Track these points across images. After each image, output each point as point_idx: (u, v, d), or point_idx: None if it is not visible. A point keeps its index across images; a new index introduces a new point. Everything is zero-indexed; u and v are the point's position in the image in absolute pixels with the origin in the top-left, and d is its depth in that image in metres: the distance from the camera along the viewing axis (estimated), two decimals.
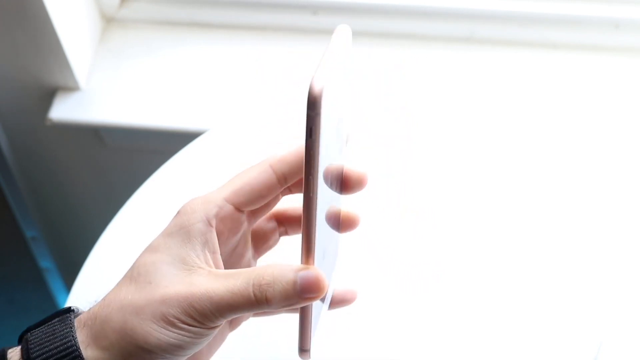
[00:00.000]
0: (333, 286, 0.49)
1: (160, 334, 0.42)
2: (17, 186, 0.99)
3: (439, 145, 0.75)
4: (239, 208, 0.47)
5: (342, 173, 0.47)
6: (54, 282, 1.12)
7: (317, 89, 0.38)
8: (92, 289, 0.69)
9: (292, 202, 0.50)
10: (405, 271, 0.67)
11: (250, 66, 0.94)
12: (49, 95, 0.94)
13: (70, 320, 0.44)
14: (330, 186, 0.44)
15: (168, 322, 0.42)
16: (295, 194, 0.49)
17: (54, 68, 0.91)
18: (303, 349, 0.44)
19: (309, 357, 0.44)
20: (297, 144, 0.46)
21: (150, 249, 0.45)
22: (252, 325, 0.54)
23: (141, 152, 0.99)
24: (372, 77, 0.87)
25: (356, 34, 1.03)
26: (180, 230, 0.45)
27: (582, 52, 0.92)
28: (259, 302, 0.42)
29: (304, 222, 0.41)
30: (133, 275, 0.44)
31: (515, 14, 0.92)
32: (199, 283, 0.43)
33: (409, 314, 0.65)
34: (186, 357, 0.44)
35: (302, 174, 0.40)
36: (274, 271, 0.42)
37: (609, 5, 0.91)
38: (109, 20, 0.98)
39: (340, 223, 0.49)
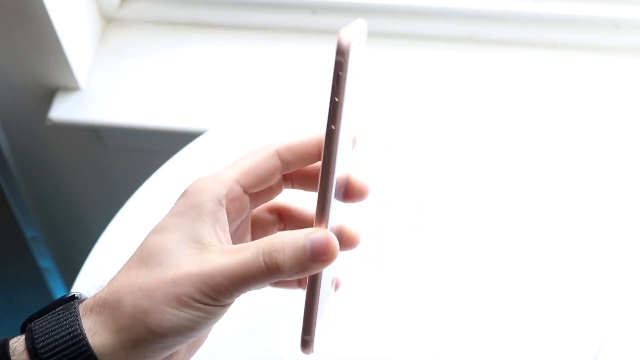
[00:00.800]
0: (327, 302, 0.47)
1: (174, 315, 0.41)
2: (17, 186, 0.99)
3: (438, 146, 0.75)
4: (246, 190, 0.47)
5: (346, 180, 0.46)
6: (54, 282, 1.12)
7: (345, 40, 0.40)
8: (92, 289, 0.69)
9: (298, 202, 0.50)
10: (405, 271, 0.67)
11: (250, 66, 0.94)
12: (49, 95, 0.94)
13: (75, 308, 0.43)
14: (337, 192, 0.43)
15: (182, 302, 0.41)
16: (298, 189, 0.49)
17: (54, 68, 0.91)
18: (305, 337, 0.43)
19: (311, 348, 0.43)
20: (304, 134, 0.46)
21: (159, 229, 0.45)
22: (251, 327, 0.54)
23: (141, 152, 0.99)
24: (371, 77, 0.87)
25: None
26: (190, 209, 0.45)
27: (582, 52, 0.92)
28: (270, 270, 0.42)
29: (321, 181, 0.40)
30: (142, 257, 0.44)
31: (515, 14, 0.92)
32: (210, 260, 0.42)
33: (409, 314, 0.65)
34: (193, 340, 0.43)
35: (305, 165, 0.40)
36: (283, 238, 0.42)
37: (609, 5, 0.91)
38: (109, 20, 0.98)
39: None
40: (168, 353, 0.43)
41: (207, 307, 0.42)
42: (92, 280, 0.69)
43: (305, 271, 0.42)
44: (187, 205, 0.45)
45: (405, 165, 0.74)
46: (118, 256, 0.70)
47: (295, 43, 0.96)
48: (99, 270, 0.69)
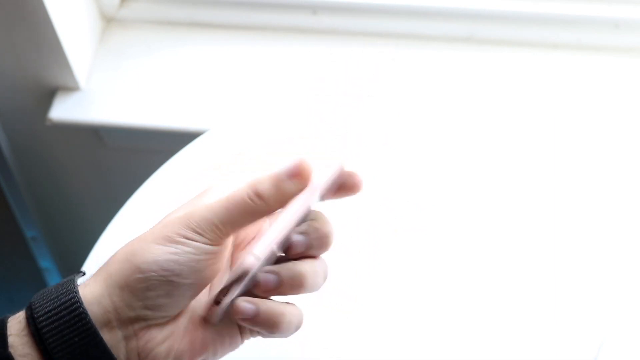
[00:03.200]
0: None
1: (158, 249, 0.43)
2: (17, 186, 0.99)
3: (438, 146, 0.75)
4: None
5: (341, 171, 0.47)
6: (54, 282, 1.12)
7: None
8: None
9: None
10: (405, 271, 0.67)
11: (250, 66, 0.94)
12: (49, 95, 0.94)
13: (74, 278, 0.45)
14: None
15: (168, 238, 0.43)
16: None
17: (54, 68, 0.91)
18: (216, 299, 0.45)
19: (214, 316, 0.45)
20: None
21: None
22: None
23: (141, 152, 0.99)
24: (371, 77, 0.87)
25: (356, 34, 1.03)
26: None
27: (582, 52, 0.92)
28: (252, 200, 0.44)
29: None
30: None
31: (515, 14, 0.92)
32: (202, 203, 0.45)
33: (409, 314, 0.65)
34: (185, 282, 0.44)
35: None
36: (265, 173, 0.45)
37: (609, 5, 0.91)
38: (109, 20, 0.98)
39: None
40: (153, 301, 0.43)
41: (192, 242, 0.43)
42: None
43: (283, 194, 0.44)
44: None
45: (405, 165, 0.74)
46: None
47: (295, 43, 0.96)
48: None
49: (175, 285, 0.43)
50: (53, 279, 1.11)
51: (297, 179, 0.45)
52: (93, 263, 0.70)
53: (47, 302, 0.44)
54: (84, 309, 0.43)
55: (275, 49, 0.95)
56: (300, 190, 0.45)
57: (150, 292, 0.43)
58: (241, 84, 0.93)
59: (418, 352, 0.63)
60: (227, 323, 0.47)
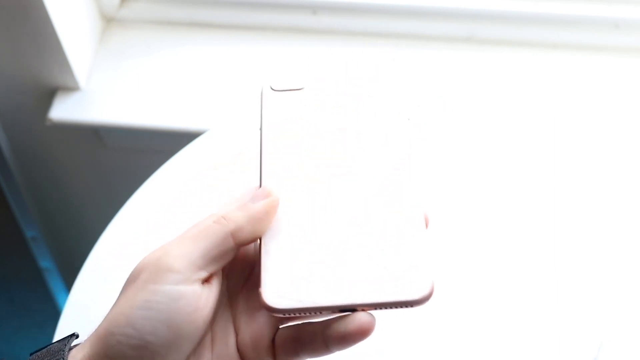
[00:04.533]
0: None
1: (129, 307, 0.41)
2: (17, 186, 0.99)
3: (438, 146, 0.75)
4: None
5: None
6: (54, 282, 1.12)
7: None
8: (92, 289, 0.69)
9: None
10: None
11: (250, 66, 0.94)
12: (49, 95, 0.94)
13: (69, 340, 0.43)
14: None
15: (137, 289, 0.41)
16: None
17: (54, 68, 0.91)
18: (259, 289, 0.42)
19: (265, 301, 0.41)
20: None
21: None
22: None
23: (141, 152, 0.99)
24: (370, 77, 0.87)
25: (356, 34, 1.03)
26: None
27: (582, 52, 0.92)
28: (219, 223, 0.42)
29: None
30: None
31: (515, 14, 0.92)
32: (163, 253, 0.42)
33: (408, 314, 0.65)
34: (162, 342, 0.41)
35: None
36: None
37: (609, 5, 0.91)
38: (109, 20, 0.98)
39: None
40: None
41: (165, 287, 0.40)
42: (92, 280, 0.69)
43: (249, 210, 0.43)
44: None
45: None
46: (118, 256, 0.70)
47: (295, 43, 0.96)
48: (99, 270, 0.69)
49: (151, 349, 0.40)
50: (53, 279, 1.11)
51: (261, 199, 0.43)
52: (93, 263, 0.70)
53: None
54: None
55: (275, 49, 0.96)
56: (269, 206, 0.43)
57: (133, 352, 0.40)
58: (241, 84, 0.93)
59: (418, 352, 0.63)
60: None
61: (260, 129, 0.46)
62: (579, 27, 0.92)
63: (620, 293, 0.65)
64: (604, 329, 0.63)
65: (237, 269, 0.45)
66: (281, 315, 0.41)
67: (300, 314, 0.41)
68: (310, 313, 0.41)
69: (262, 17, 0.96)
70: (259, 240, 0.43)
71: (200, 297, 0.41)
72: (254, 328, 0.43)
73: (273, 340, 0.43)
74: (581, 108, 0.86)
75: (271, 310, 0.41)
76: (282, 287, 0.41)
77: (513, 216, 0.70)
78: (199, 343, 0.42)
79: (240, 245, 0.43)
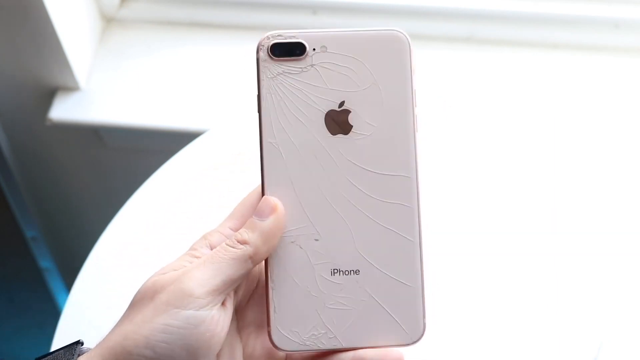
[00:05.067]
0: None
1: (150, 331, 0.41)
2: (17, 186, 0.99)
3: (438, 146, 0.75)
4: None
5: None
6: (54, 282, 1.12)
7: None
8: (92, 289, 0.69)
9: None
10: None
11: (250, 66, 0.94)
12: (49, 95, 0.94)
13: (74, 349, 0.43)
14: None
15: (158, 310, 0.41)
16: None
17: (54, 68, 0.91)
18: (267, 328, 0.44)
19: (274, 342, 0.44)
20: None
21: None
22: None
23: (141, 152, 0.99)
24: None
25: None
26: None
27: (582, 52, 0.92)
28: (234, 245, 0.42)
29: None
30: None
31: (515, 14, 0.92)
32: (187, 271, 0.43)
33: None
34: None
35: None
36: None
37: (609, 5, 0.91)
38: (109, 20, 0.98)
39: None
40: None
41: (184, 312, 0.41)
42: (92, 280, 0.69)
43: (263, 235, 0.43)
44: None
45: None
46: (118, 256, 0.70)
47: None
48: (99, 270, 0.69)
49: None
50: (53, 279, 1.11)
51: (267, 214, 0.43)
52: (93, 263, 0.70)
53: None
54: None
55: None
56: (278, 222, 0.43)
57: None
58: (241, 84, 0.93)
59: (418, 352, 0.63)
60: None
61: (258, 101, 0.45)
62: (579, 27, 0.92)
63: (620, 293, 0.65)
64: (604, 329, 0.63)
65: (244, 284, 0.45)
66: (290, 353, 0.44)
67: (307, 353, 0.44)
68: (317, 355, 0.44)
69: (262, 17, 0.96)
70: (264, 266, 0.44)
71: (218, 322, 0.42)
72: (268, 341, 0.44)
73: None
74: (581, 108, 0.86)
75: (280, 349, 0.44)
76: (289, 329, 0.44)
77: (513, 216, 0.70)
78: None
79: (256, 264, 0.43)
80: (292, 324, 0.44)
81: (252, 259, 0.43)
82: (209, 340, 0.41)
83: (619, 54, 0.92)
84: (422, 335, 0.45)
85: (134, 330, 0.41)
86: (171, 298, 0.41)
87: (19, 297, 1.15)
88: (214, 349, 0.42)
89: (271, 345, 0.44)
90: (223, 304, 0.43)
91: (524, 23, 0.93)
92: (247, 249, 0.42)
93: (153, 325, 0.40)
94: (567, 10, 0.91)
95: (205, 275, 0.42)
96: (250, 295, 0.46)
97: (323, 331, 0.44)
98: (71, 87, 0.94)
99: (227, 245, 0.43)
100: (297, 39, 0.44)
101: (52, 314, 1.14)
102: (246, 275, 0.43)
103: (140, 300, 0.42)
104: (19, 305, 1.16)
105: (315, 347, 0.44)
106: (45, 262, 1.09)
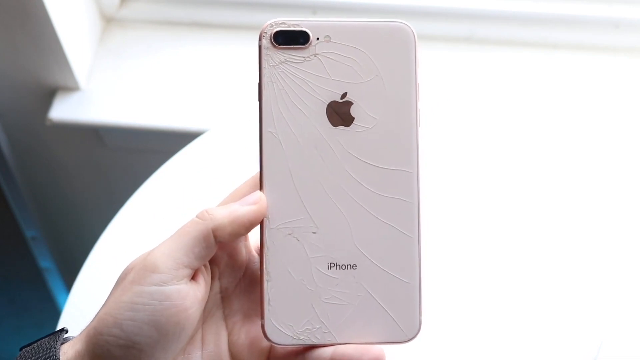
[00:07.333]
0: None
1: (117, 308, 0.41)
2: (17, 186, 0.99)
3: (438, 146, 0.75)
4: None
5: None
6: (54, 282, 1.12)
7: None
8: (92, 289, 0.69)
9: None
10: None
11: (250, 66, 0.94)
12: (49, 95, 0.94)
13: (59, 336, 0.44)
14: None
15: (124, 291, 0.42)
16: None
17: (54, 68, 0.91)
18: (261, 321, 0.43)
19: (267, 334, 0.43)
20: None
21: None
22: None
23: (141, 152, 0.99)
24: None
25: None
26: None
27: (582, 52, 0.92)
28: (202, 217, 0.42)
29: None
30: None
31: (515, 14, 0.92)
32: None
33: None
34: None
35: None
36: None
37: (609, 5, 0.91)
38: (109, 20, 0.98)
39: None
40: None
41: (150, 288, 0.41)
42: (92, 280, 0.69)
43: (232, 215, 0.42)
44: None
45: None
46: (118, 256, 0.70)
47: None
48: (99, 270, 0.69)
49: (137, 348, 0.41)
50: (53, 279, 1.11)
51: (248, 203, 0.43)
52: (93, 263, 0.70)
53: None
54: None
55: None
56: (254, 215, 0.43)
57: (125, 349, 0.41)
58: (241, 84, 0.93)
59: (418, 352, 0.63)
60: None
61: (259, 89, 0.44)
62: (579, 27, 0.92)
63: (620, 293, 0.65)
64: (604, 329, 0.63)
65: (230, 269, 0.45)
66: (283, 346, 0.44)
67: (300, 346, 0.43)
68: (309, 348, 0.43)
69: (262, 17, 0.96)
70: (259, 257, 0.44)
71: (186, 297, 0.41)
72: (253, 330, 0.44)
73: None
74: (581, 108, 0.86)
75: (273, 343, 0.43)
76: (283, 322, 0.43)
77: (513, 216, 0.70)
78: (189, 342, 0.43)
79: (220, 242, 0.43)
80: (286, 318, 0.43)
81: (215, 234, 0.42)
82: (176, 315, 0.41)
83: (619, 54, 0.92)
84: (418, 333, 0.44)
85: (105, 312, 0.41)
86: (136, 276, 0.41)
87: (19, 297, 1.15)
88: (184, 325, 0.41)
89: (255, 335, 0.44)
90: (194, 279, 0.42)
91: (524, 23, 0.93)
92: (209, 222, 0.42)
93: (120, 304, 0.41)
94: (567, 10, 0.91)
95: (168, 249, 0.42)
96: (237, 283, 0.45)
97: (317, 325, 0.43)
98: (71, 87, 0.94)
99: (195, 218, 0.43)
100: (301, 27, 0.43)
101: (52, 314, 1.14)
102: (212, 250, 0.43)
103: (115, 285, 0.43)
104: (19, 305, 1.16)
105: (309, 342, 0.43)
106: (45, 262, 1.09)
